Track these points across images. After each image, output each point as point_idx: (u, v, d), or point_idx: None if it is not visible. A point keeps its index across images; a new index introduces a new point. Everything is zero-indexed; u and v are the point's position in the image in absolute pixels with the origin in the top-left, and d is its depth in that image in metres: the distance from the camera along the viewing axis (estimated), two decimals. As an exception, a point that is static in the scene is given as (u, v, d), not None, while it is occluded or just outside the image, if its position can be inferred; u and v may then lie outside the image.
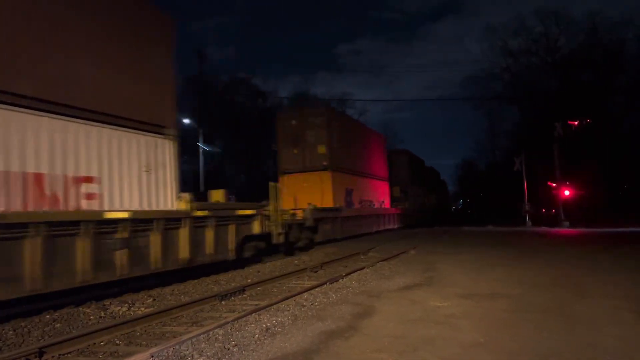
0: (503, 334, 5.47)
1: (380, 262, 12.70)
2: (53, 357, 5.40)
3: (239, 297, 8.80)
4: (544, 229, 29.68)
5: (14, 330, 6.50)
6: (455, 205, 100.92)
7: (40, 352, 5.32)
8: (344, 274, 10.47)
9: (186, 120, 37.25)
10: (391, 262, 12.81)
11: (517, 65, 48.96)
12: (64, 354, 5.51)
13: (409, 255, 14.78)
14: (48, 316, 7.35)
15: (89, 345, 5.82)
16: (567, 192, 32.96)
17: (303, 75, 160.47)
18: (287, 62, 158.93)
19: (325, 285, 9.26)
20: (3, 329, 6.53)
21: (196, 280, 10.76)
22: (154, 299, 8.80)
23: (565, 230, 28.33)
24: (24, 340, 6.13)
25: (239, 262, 12.80)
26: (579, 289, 8.30)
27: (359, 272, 11.06)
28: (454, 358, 4.67)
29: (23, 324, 6.88)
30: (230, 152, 45.67)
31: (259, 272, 12.17)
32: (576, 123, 32.87)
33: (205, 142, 34.34)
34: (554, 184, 33.39)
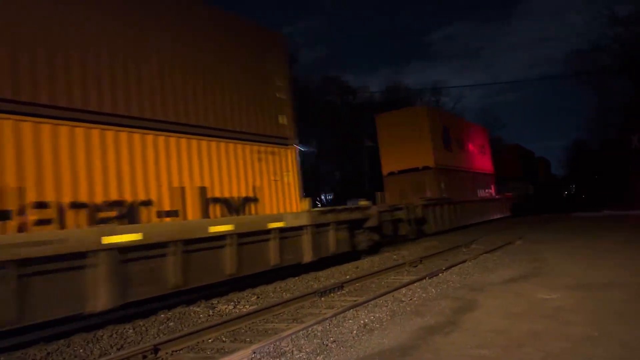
0: (618, 327, 5.02)
1: (484, 255, 12.20)
2: (167, 353, 5.80)
3: (338, 293, 8.90)
4: None
5: (134, 329, 7.09)
6: (567, 190, 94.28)
7: (155, 349, 5.74)
8: (444, 268, 10.20)
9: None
10: (495, 254, 12.26)
11: (627, 33, 44.54)
12: (176, 351, 5.90)
13: (514, 245, 14.06)
14: (162, 315, 7.92)
15: (198, 342, 6.19)
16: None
17: (394, 67, 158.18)
18: (378, 55, 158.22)
19: (425, 280, 9.07)
20: (124, 328, 7.14)
21: (297, 278, 11.04)
22: (258, 297, 9.16)
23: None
24: (142, 338, 6.66)
25: (338, 258, 13.01)
26: None
27: (460, 265, 10.72)
28: (562, 354, 4.36)
29: (141, 322, 7.48)
30: (324, 151, 46.29)
31: (357, 268, 12.22)
32: None
33: (301, 142, 35.14)
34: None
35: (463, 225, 23.10)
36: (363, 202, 14.35)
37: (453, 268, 10.29)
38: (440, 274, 9.63)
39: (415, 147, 21.93)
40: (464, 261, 11.14)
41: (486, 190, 28.82)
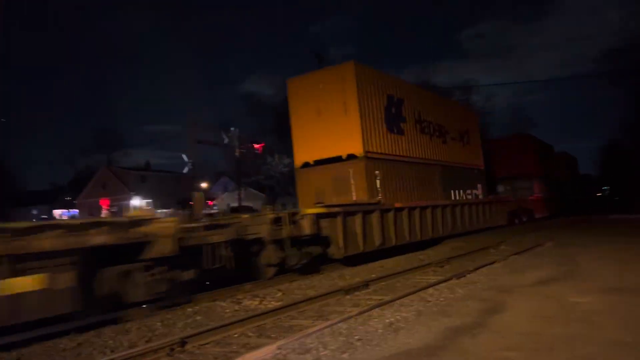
0: (655, 334, 4.86)
1: (513, 256, 11.98)
2: (194, 347, 5.87)
3: (363, 291, 8.87)
4: None
5: (162, 322, 7.21)
6: (600, 191, 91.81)
7: (183, 342, 5.82)
8: (471, 269, 10.07)
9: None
10: (524, 256, 12.04)
11: (666, 30, 43.05)
12: (203, 345, 5.96)
13: (544, 247, 13.77)
14: (190, 309, 8.03)
15: (224, 336, 6.24)
16: None
17: (424, 66, 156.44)
18: (408, 53, 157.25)
19: (451, 281, 8.97)
20: (152, 321, 7.26)
21: (322, 275, 11.05)
22: (283, 293, 9.21)
23: None
24: (169, 331, 6.76)
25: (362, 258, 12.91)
26: None
27: (488, 266, 10.55)
28: (593, 359, 4.24)
29: (169, 316, 7.60)
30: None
31: (382, 266, 12.17)
32: None
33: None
34: None
35: (416, 242, 15.83)
36: (137, 212, 8.68)
37: (481, 269, 10.14)
38: (467, 275, 9.50)
39: (337, 126, 14.60)
40: (492, 262, 10.97)
41: (468, 192, 21.41)
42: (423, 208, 16.55)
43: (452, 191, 19.79)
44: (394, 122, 16.25)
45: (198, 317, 7.48)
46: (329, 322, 6.12)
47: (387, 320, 6.12)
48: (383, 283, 9.65)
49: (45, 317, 6.52)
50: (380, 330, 5.69)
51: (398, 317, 6.29)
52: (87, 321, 7.14)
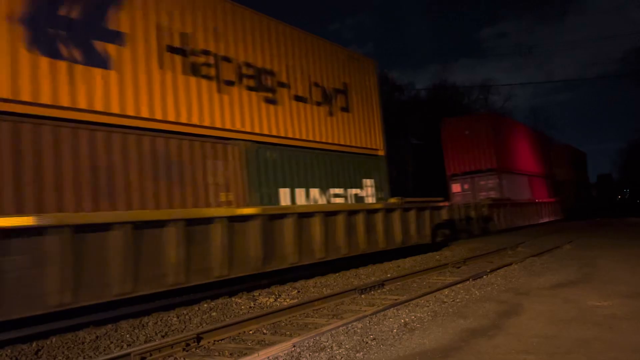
0: (677, 340, 4.76)
1: (530, 258, 11.84)
2: (209, 342, 5.90)
3: (378, 291, 8.84)
4: None
5: (177, 317, 7.27)
6: (620, 194, 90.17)
7: (198, 338, 5.85)
8: (488, 270, 9.97)
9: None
10: (543, 258, 11.89)
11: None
12: (218, 340, 6.00)
13: (563, 250, 13.59)
14: (205, 305, 8.09)
15: (239, 333, 6.27)
16: None
17: (443, 64, 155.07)
18: (426, 52, 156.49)
19: (468, 282, 8.89)
20: (168, 316, 7.34)
21: (337, 274, 11.04)
22: (298, 291, 9.22)
23: None
24: (185, 326, 6.82)
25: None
26: None
27: (505, 268, 10.44)
28: (614, 364, 4.18)
29: (185, 311, 7.66)
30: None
31: (399, 266, 12.12)
32: None
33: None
34: None
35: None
36: None
37: (498, 271, 10.04)
38: (484, 276, 9.41)
39: None
40: (510, 264, 10.86)
41: (337, 192, 12.25)
42: (142, 226, 7.47)
43: (282, 190, 10.77)
44: (64, 34, 7.22)
45: (214, 313, 7.53)
46: (343, 321, 6.12)
47: (402, 320, 6.10)
48: (398, 283, 9.61)
49: (65, 310, 6.73)
50: (395, 330, 5.67)
51: (413, 317, 6.26)
52: (105, 315, 7.23)
